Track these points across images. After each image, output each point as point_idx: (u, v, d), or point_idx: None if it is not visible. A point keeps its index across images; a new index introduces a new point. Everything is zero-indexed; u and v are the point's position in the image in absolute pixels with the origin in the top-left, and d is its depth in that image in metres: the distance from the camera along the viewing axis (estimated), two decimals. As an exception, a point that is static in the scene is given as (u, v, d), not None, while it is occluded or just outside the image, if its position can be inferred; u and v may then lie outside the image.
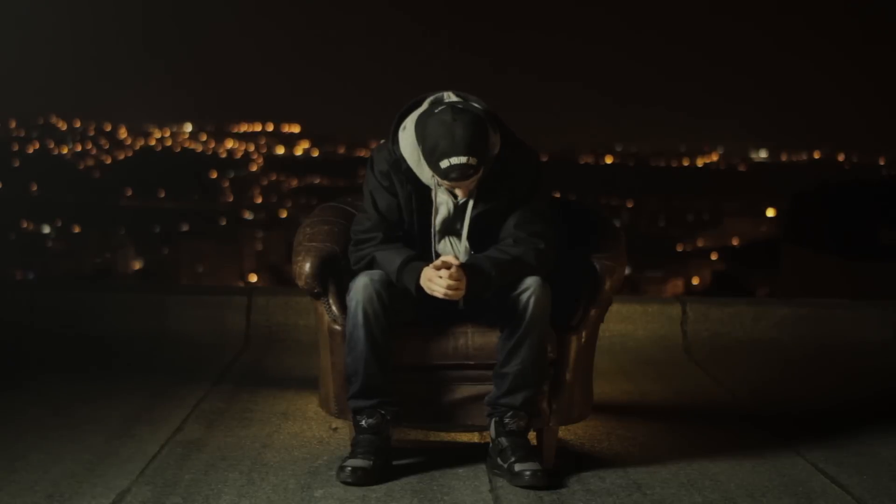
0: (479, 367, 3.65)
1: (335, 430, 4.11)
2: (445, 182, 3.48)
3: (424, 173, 3.56)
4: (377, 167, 3.63)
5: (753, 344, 5.87)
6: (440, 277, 3.44)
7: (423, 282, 3.48)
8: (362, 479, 3.46)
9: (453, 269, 3.44)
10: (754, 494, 3.47)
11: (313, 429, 4.14)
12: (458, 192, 3.54)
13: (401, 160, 3.58)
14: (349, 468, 3.48)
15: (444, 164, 3.40)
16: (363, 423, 3.58)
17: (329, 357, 3.72)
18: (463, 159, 3.38)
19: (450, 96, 3.54)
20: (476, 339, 3.64)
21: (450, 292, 3.44)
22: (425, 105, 3.55)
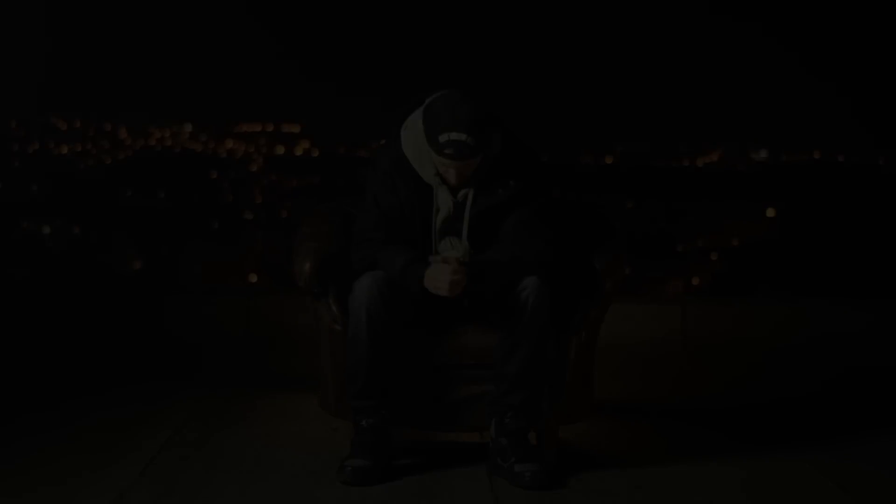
0: (479, 367, 3.64)
1: (335, 430, 4.11)
2: (440, 160, 3.44)
3: (426, 172, 3.55)
4: (379, 167, 3.62)
5: (753, 344, 5.87)
6: (443, 273, 3.43)
7: (428, 282, 3.47)
8: (362, 479, 3.46)
9: (454, 265, 3.43)
10: (754, 494, 3.47)
11: (313, 429, 4.14)
12: (450, 176, 3.49)
13: (402, 159, 3.57)
14: (349, 468, 3.48)
15: (443, 137, 3.38)
16: (363, 423, 3.58)
17: (329, 357, 3.72)
18: (462, 136, 3.37)
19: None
20: (476, 339, 3.64)
21: (455, 286, 3.42)
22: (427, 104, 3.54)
